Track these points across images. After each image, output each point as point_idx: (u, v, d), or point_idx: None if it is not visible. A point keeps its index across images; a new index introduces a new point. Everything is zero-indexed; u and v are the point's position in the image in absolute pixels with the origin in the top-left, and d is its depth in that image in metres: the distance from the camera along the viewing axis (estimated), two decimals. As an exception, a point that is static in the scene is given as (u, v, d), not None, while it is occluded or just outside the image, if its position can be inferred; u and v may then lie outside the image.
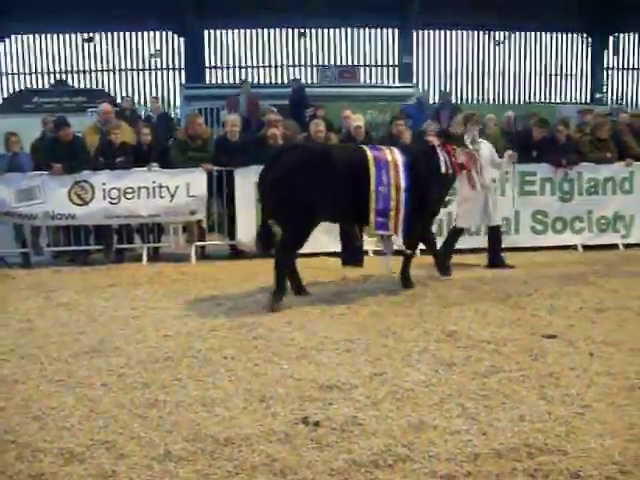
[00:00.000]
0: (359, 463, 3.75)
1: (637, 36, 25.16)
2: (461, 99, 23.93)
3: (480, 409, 4.47)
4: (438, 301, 7.19)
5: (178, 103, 21.99)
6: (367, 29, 24.01)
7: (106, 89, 23.38)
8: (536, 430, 4.18)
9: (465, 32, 24.26)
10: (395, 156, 7.42)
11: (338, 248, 9.32)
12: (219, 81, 23.94)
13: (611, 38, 24.50)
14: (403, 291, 7.65)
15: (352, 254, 8.95)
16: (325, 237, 9.26)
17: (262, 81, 23.59)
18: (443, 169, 7.64)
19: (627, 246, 10.12)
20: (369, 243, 9.04)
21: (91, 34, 23.56)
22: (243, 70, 24.15)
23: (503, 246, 9.20)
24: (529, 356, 5.46)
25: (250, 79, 22.14)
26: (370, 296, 7.45)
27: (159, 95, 22.99)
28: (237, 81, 21.88)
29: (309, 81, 22.65)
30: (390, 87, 22.01)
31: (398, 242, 7.53)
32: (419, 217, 7.57)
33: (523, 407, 4.51)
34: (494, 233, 9.06)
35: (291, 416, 4.34)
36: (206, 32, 23.67)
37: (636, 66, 25.59)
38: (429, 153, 7.71)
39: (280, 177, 7.02)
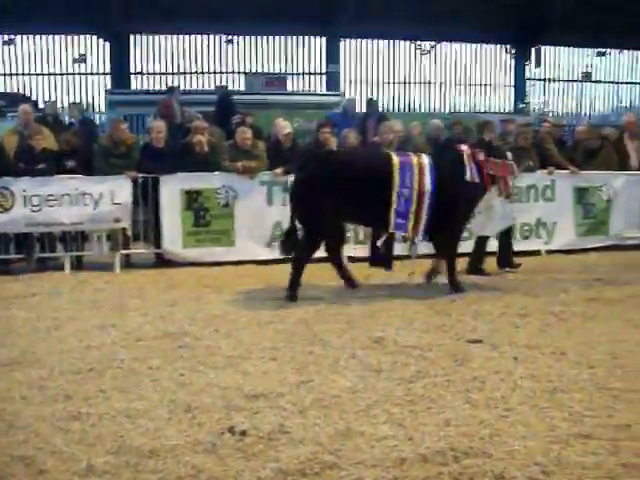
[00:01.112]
0: (286, 472, 3.72)
1: (557, 49, 25.88)
2: (387, 108, 24.18)
3: (406, 414, 4.50)
4: (365, 308, 7.22)
5: (103, 109, 21.58)
6: (295, 37, 24.05)
7: (27, 93, 22.79)
8: (461, 434, 4.23)
9: (392, 41, 24.52)
10: (422, 161, 7.70)
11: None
12: (145, 87, 23.61)
13: (533, 50, 25.14)
14: (330, 298, 7.66)
15: (378, 256, 8.71)
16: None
17: (188, 87, 23.33)
18: (468, 177, 7.80)
19: (549, 252, 10.36)
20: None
21: (12, 36, 22.94)
22: (169, 76, 23.85)
23: (429, 253, 9.32)
24: (454, 361, 5.53)
25: (176, 85, 21.87)
26: (297, 303, 7.44)
27: (84, 101, 22.50)
28: (164, 87, 21.58)
29: (236, 88, 22.54)
30: (317, 95, 22.10)
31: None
32: (447, 224, 7.81)
33: (448, 411, 4.55)
34: (483, 241, 9.15)
35: (217, 426, 4.28)
36: (132, 37, 23.33)
37: (556, 77, 26.32)
38: (457, 161, 7.88)
39: (302, 182, 7.60)
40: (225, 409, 4.54)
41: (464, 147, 8.09)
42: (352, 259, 9.39)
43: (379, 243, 8.33)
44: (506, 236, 9.21)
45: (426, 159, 7.79)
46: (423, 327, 6.50)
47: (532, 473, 3.79)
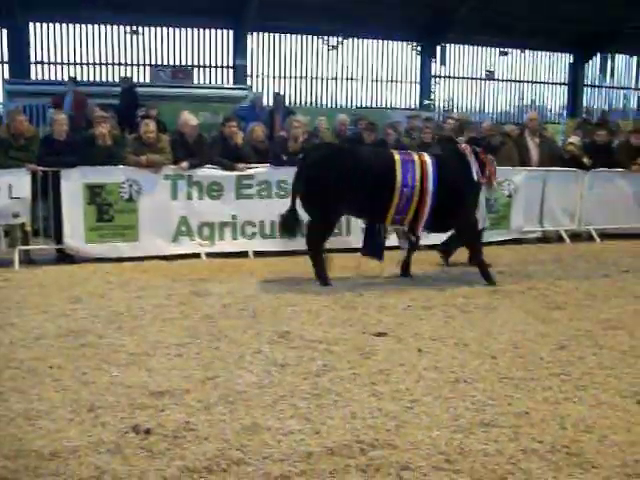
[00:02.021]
0: (192, 469, 3.68)
1: (461, 47, 26.44)
2: (295, 102, 24.20)
3: (313, 408, 4.52)
4: (271, 302, 7.20)
5: (1, 99, 20.78)
6: (202, 29, 23.74)
7: None
8: (367, 426, 4.28)
9: (299, 36, 24.54)
10: (424, 159, 8.00)
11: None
12: (45, 77, 22.85)
13: (438, 48, 25.62)
14: (236, 293, 7.61)
15: (373, 248, 8.76)
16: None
17: (92, 79, 22.73)
18: (475, 177, 8.16)
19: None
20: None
21: None
22: (72, 67, 23.17)
23: (337, 247, 9.46)
24: (360, 354, 5.59)
25: (79, 77, 21.27)
26: (202, 299, 7.36)
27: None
28: (65, 78, 20.94)
29: (141, 80, 22.09)
30: (224, 88, 21.90)
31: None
32: (457, 221, 8.30)
33: (355, 404, 4.60)
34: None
35: (121, 425, 4.19)
36: (32, 25, 22.50)
37: (460, 75, 26.91)
38: (461, 160, 8.20)
39: (312, 172, 7.87)
40: (129, 407, 4.45)
41: (465, 145, 8.44)
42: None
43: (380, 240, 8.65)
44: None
45: (428, 158, 8.05)
46: (329, 321, 6.54)
47: (436, 462, 3.88)
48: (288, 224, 8.21)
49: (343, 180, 7.75)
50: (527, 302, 7.46)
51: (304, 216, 8.27)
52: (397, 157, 8.02)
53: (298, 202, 8.16)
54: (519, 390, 4.97)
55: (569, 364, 5.54)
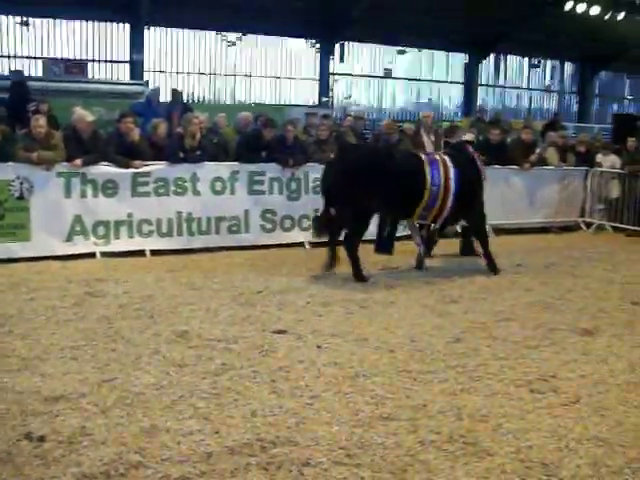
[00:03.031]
0: (89, 475, 3.61)
1: (360, 45, 26.72)
2: (193, 98, 23.92)
3: (212, 408, 4.49)
4: (169, 302, 7.08)
5: None
6: (97, 23, 23.11)
7: None
8: (268, 424, 4.29)
9: (198, 31, 24.23)
10: (445, 160, 8.67)
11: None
12: None
13: (337, 46, 25.81)
14: (133, 293, 7.44)
15: (384, 245, 9.31)
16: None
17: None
18: (483, 175, 9.02)
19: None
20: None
21: None
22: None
23: (234, 245, 9.68)
24: (260, 352, 5.59)
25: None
26: (98, 300, 7.17)
27: None
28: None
29: (33, 74, 21.33)
30: (120, 84, 21.45)
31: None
32: (470, 212, 9.00)
33: (255, 403, 4.60)
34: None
35: (13, 433, 4.05)
36: None
37: (359, 73, 27.21)
38: (472, 161, 8.99)
39: (343, 174, 8.12)
40: (21, 414, 4.31)
41: (471, 148, 9.24)
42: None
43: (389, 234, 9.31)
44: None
45: (447, 158, 8.72)
46: (228, 319, 6.50)
47: (337, 457, 3.93)
48: (321, 225, 8.58)
49: (379, 180, 8.13)
50: (424, 296, 7.60)
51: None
52: (424, 158, 8.65)
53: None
54: (417, 383, 5.08)
55: (465, 356, 5.69)
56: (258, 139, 10.45)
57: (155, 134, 10.18)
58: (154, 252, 9.37)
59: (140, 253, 9.41)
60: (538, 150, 12.50)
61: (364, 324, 6.48)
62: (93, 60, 23.18)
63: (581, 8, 23.36)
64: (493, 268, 8.88)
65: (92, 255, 9.27)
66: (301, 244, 10.26)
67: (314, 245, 10.19)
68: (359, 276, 8.24)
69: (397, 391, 4.90)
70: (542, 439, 4.27)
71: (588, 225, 12.77)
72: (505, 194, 11.87)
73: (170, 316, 6.58)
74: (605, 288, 8.33)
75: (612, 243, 11.29)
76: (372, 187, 8.11)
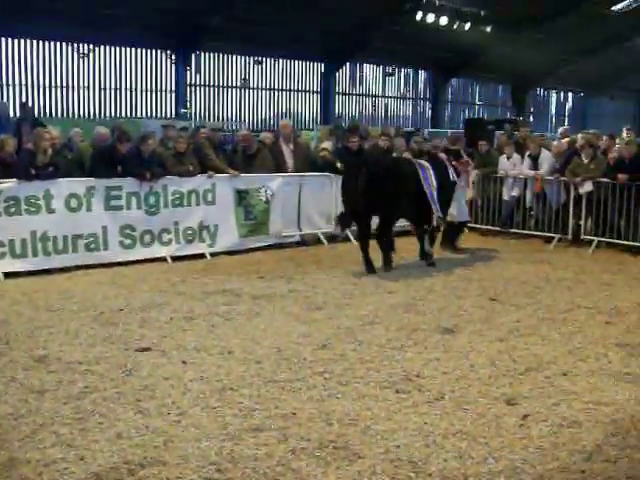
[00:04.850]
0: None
1: (216, 56, 26.57)
2: (45, 113, 23.00)
3: (76, 434, 4.34)
4: (25, 326, 6.74)
5: None
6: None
7: None
8: (135, 445, 4.19)
9: (48, 42, 23.29)
10: (426, 165, 10.01)
11: None
12: None
13: (193, 56, 25.54)
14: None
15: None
16: None
17: None
18: (452, 177, 10.37)
19: (213, 254, 10.53)
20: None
21: None
22: None
23: (93, 263, 9.39)
24: (123, 372, 5.45)
25: None
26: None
27: None
28: None
29: None
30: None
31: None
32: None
33: (120, 424, 4.48)
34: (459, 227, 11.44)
35: None
36: None
37: (215, 83, 27.04)
38: (443, 165, 10.33)
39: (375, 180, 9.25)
40: None
41: (443, 155, 10.65)
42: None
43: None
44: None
45: (428, 163, 10.07)
46: (89, 340, 6.28)
47: (208, 473, 3.90)
48: (344, 222, 9.71)
49: (401, 185, 9.53)
50: (289, 305, 7.63)
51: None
52: (416, 164, 10.04)
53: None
54: (285, 392, 5.09)
55: (332, 362, 5.76)
56: (113, 153, 10.15)
57: (2, 151, 9.69)
58: (7, 275, 8.92)
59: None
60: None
61: (229, 336, 6.43)
62: None
63: (431, 18, 24.20)
64: (432, 259, 10.08)
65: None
66: (163, 259, 10.04)
67: (175, 259, 10.06)
68: (387, 266, 9.48)
69: (265, 401, 4.90)
70: (409, 437, 4.38)
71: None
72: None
73: (27, 341, 6.28)
74: (464, 286, 8.67)
75: (468, 242, 11.72)
76: (396, 191, 9.45)
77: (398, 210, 9.82)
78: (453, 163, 10.58)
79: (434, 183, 9.85)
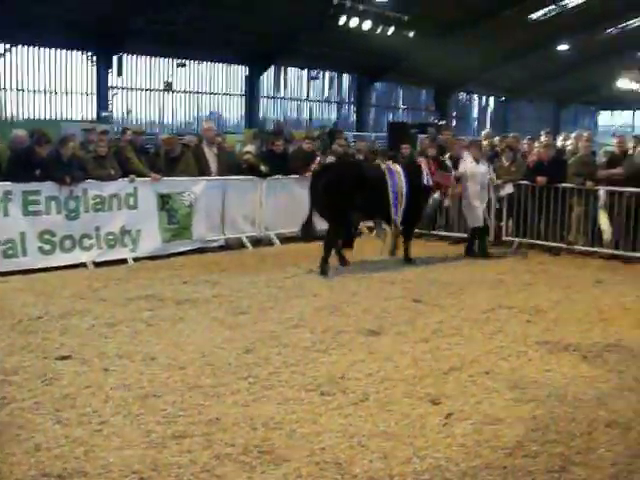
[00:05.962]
0: None
1: (139, 58, 26.18)
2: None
3: (-10, 447, 4.19)
4: None
5: None
6: None
7: None
8: (54, 457, 4.10)
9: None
10: (398, 169, 10.37)
11: None
12: None
13: (115, 58, 25.06)
14: None
15: (346, 240, 10.56)
16: None
17: None
18: (425, 181, 10.55)
19: (136, 260, 10.37)
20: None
21: None
22: None
23: (11, 269, 9.11)
24: (42, 381, 5.31)
25: None
26: None
27: None
28: None
29: None
30: None
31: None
32: (413, 213, 10.54)
33: (38, 435, 4.37)
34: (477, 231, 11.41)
35: None
36: None
37: (139, 86, 26.65)
38: (418, 170, 10.58)
39: (328, 186, 9.70)
40: None
41: (422, 159, 10.88)
42: None
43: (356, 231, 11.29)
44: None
45: (400, 168, 10.42)
46: (6, 349, 6.11)
47: (129, 482, 3.80)
48: (308, 230, 10.13)
49: (355, 189, 9.75)
50: (213, 310, 7.57)
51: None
52: (384, 167, 10.46)
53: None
54: (209, 397, 5.05)
55: (256, 366, 5.75)
56: (31, 156, 9.87)
57: None
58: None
59: None
60: (318, 159, 12.84)
61: (152, 342, 6.34)
62: None
63: (354, 23, 24.34)
64: (411, 260, 10.57)
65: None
66: (84, 264, 9.82)
67: (97, 265, 9.86)
68: (323, 265, 9.58)
69: (189, 408, 4.85)
70: (334, 439, 4.41)
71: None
72: (288, 203, 12.11)
73: None
74: (388, 288, 8.76)
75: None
76: (349, 196, 9.78)
77: (355, 213, 10.25)
78: (433, 170, 10.70)
79: (403, 188, 10.20)
